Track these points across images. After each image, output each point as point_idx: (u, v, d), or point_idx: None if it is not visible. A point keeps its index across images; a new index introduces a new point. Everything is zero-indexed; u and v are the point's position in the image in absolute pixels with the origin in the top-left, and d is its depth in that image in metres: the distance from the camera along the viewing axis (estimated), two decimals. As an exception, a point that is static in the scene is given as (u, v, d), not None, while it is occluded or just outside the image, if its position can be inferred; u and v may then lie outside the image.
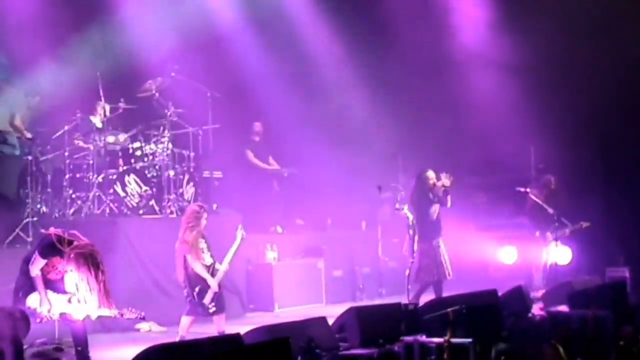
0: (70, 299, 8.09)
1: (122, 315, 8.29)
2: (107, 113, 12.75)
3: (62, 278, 8.06)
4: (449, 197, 11.53)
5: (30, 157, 11.98)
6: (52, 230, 8.18)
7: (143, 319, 8.68)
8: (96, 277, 7.79)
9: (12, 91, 13.22)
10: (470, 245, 13.96)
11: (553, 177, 13.34)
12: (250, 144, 14.79)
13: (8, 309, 7.53)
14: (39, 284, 7.94)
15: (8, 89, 13.37)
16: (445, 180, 11.45)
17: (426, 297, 9.96)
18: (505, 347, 7.53)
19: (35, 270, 7.93)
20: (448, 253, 11.54)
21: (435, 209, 11.54)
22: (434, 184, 11.53)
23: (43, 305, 7.96)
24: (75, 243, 7.87)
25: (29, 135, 12.55)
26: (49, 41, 13.35)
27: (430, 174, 11.60)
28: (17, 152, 12.71)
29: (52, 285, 8.03)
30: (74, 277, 7.89)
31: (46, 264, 7.94)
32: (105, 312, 8.21)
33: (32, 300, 7.94)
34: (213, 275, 9.55)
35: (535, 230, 13.02)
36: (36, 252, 8.00)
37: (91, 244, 7.97)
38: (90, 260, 7.76)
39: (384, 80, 15.42)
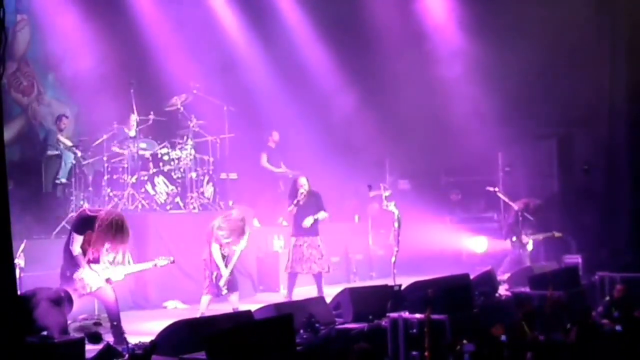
0: (110, 264, 8.11)
1: (155, 265, 8.40)
2: (137, 123, 12.68)
3: (99, 255, 8.06)
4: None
5: (74, 161, 12.02)
6: (82, 209, 8.31)
7: (173, 262, 8.77)
8: (124, 237, 7.89)
9: (60, 106, 13.28)
10: (446, 236, 13.92)
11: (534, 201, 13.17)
12: (266, 149, 14.70)
13: (55, 289, 7.52)
14: (81, 260, 7.95)
15: (58, 104, 13.42)
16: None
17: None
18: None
19: (76, 248, 7.93)
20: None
21: (293, 209, 11.11)
22: (301, 190, 11.07)
23: (90, 276, 7.96)
24: (101, 212, 8.04)
25: (69, 144, 12.54)
26: (90, 62, 13.38)
27: (302, 180, 11.19)
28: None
29: (94, 260, 8.04)
30: (109, 242, 7.92)
31: (84, 243, 7.94)
32: (142, 266, 8.31)
33: (79, 273, 7.95)
34: (227, 263, 9.59)
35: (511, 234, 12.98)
36: (72, 232, 8.02)
37: (115, 212, 8.10)
38: (119, 223, 7.83)
39: (374, 96, 15.39)
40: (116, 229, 7.87)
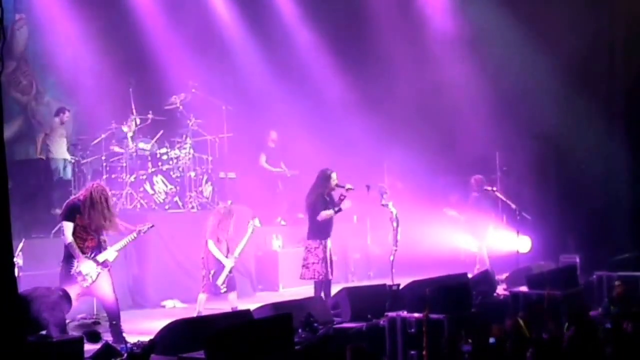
0: (104, 247, 8.11)
1: (139, 232, 8.43)
2: (137, 123, 12.67)
3: (94, 244, 8.06)
4: (346, 201, 10.09)
5: (73, 161, 12.02)
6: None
7: (152, 226, 8.84)
8: (107, 205, 8.02)
9: (59, 106, 13.27)
10: (444, 235, 13.89)
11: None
12: (265, 149, 14.70)
13: (54, 288, 7.53)
14: (74, 249, 7.95)
15: (57, 104, 13.42)
16: (349, 185, 10.05)
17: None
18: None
19: (68, 236, 7.96)
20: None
21: (328, 211, 10.05)
22: (336, 186, 10.10)
23: (87, 266, 7.96)
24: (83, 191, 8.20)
25: (42, 156, 12.50)
26: (89, 61, 13.38)
27: (335, 175, 10.14)
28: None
29: (91, 249, 8.04)
30: (100, 215, 8.00)
31: (75, 232, 7.94)
32: (128, 238, 8.35)
33: (76, 266, 7.96)
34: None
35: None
36: (62, 222, 8.07)
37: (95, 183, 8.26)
38: (98, 188, 8.02)
39: (373, 97, 15.40)
40: (100, 199, 7.93)
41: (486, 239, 12.78)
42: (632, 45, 13.76)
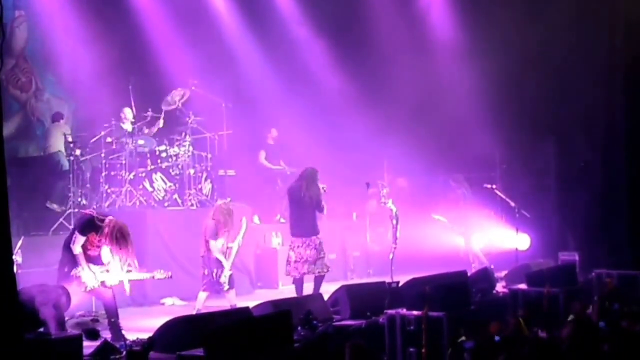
0: (108, 269, 8.13)
1: (153, 277, 8.41)
2: (133, 117, 12.63)
3: (100, 253, 8.08)
4: (324, 204, 10.39)
5: (72, 158, 12.02)
6: (88, 210, 8.32)
7: (171, 277, 8.78)
8: (127, 245, 7.94)
9: (58, 103, 13.28)
10: (444, 232, 13.90)
11: None
12: (265, 146, 14.69)
13: (53, 285, 7.53)
14: (82, 259, 7.98)
15: (56, 101, 13.43)
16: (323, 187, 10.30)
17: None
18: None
19: (77, 247, 7.97)
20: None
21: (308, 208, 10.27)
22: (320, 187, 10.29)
23: (88, 276, 7.97)
24: (107, 219, 8.04)
25: (70, 139, 12.54)
26: (88, 58, 13.36)
27: (318, 175, 10.39)
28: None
29: (92, 259, 8.05)
30: (108, 249, 7.99)
31: (85, 241, 7.96)
32: (139, 275, 8.31)
33: (78, 271, 7.96)
34: (226, 257, 9.58)
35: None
36: (76, 232, 8.05)
37: (119, 221, 8.10)
38: (122, 231, 7.89)
39: (373, 94, 15.39)
40: (118, 237, 7.90)
41: (474, 236, 12.78)
42: (631, 44, 13.74)
